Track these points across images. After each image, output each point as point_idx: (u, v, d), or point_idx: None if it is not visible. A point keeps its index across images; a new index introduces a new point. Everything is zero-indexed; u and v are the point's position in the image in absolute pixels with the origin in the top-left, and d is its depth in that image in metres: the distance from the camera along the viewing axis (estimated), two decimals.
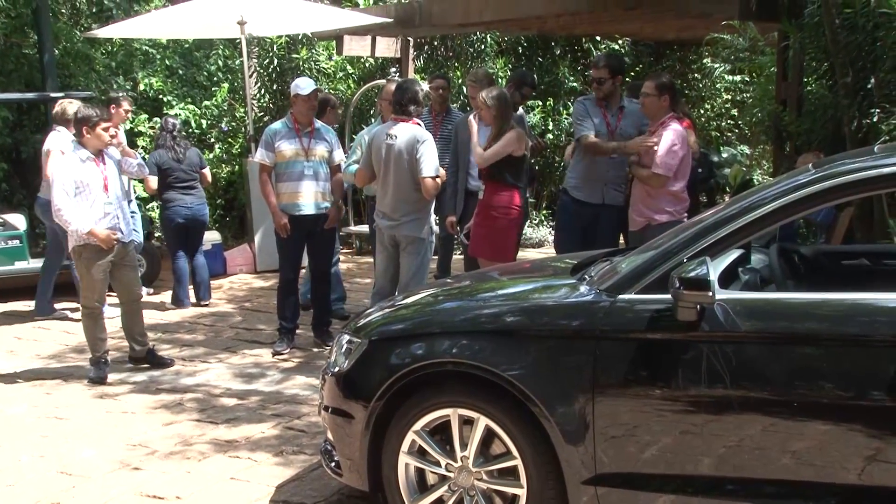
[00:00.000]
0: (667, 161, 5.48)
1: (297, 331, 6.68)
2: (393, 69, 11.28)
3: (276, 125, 6.46)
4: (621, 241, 6.56)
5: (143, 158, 7.55)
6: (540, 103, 11.25)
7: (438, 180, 5.82)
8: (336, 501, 4.01)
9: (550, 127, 11.24)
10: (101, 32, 9.96)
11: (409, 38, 10.77)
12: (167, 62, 12.54)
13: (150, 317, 7.15)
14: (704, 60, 12.27)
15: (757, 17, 7.00)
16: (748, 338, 2.92)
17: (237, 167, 10.75)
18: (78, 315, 7.49)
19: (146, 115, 11.43)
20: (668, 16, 8.79)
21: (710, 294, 2.84)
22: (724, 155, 11.87)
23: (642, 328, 3.03)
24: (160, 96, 11.98)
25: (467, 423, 3.32)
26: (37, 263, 7.98)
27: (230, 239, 10.64)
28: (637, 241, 4.90)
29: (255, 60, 10.25)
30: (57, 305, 7.75)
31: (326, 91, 9.56)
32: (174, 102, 11.91)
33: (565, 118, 10.99)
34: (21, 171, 10.57)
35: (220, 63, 12.69)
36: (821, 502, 2.85)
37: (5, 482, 4.30)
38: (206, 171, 8.08)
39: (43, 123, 8.32)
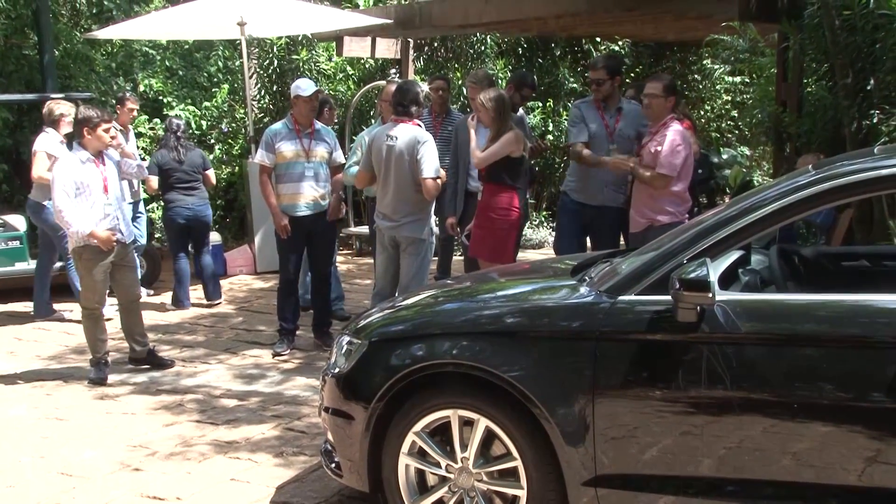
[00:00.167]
0: (671, 161, 5.47)
1: (298, 332, 6.68)
2: (393, 70, 11.28)
3: (277, 126, 6.46)
4: (621, 241, 6.57)
5: (143, 159, 7.58)
6: (540, 104, 11.26)
7: (439, 181, 5.82)
8: (336, 502, 4.01)
9: (551, 128, 11.24)
10: (102, 33, 9.97)
11: (409, 40, 10.77)
12: (167, 63, 12.55)
13: (150, 318, 7.16)
14: (704, 61, 12.26)
15: (757, 19, 7.00)
16: (748, 339, 2.92)
17: (237, 168, 10.75)
18: (72, 315, 7.53)
19: (146, 117, 11.43)
20: (667, 17, 8.80)
21: (711, 295, 2.84)
22: (725, 156, 11.88)
23: (642, 329, 3.03)
24: (160, 97, 11.98)
25: (467, 424, 3.32)
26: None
27: (230, 240, 10.64)
28: (638, 243, 4.89)
29: (255, 61, 10.26)
30: (56, 306, 7.74)
31: (326, 92, 9.56)
32: (174, 103, 11.92)
33: (565, 119, 10.98)
34: (21, 172, 10.53)
35: (220, 64, 12.70)
36: (821, 503, 2.86)
37: (6, 483, 4.31)
38: (210, 173, 8.08)
39: (43, 125, 8.33)
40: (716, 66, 10.57)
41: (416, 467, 3.46)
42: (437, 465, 3.40)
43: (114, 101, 10.57)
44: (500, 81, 9.89)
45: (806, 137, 6.93)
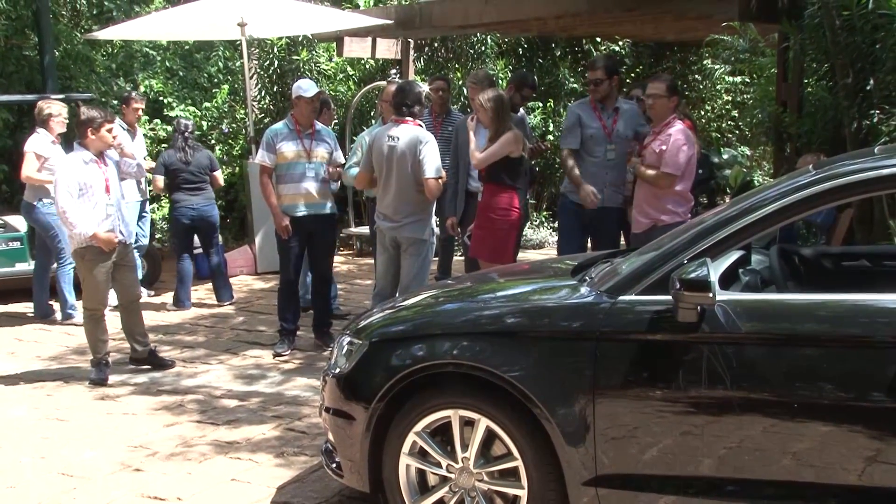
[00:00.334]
0: (676, 160, 5.46)
1: (298, 332, 6.68)
2: (393, 71, 11.28)
3: (277, 126, 6.46)
4: (622, 241, 6.56)
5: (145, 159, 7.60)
6: (540, 105, 11.26)
7: (440, 181, 5.82)
8: (337, 503, 4.01)
9: (551, 128, 11.25)
10: (102, 34, 9.98)
11: (410, 40, 10.78)
12: (167, 64, 12.56)
13: (150, 318, 7.16)
14: (705, 62, 12.27)
15: (757, 19, 7.00)
16: (748, 339, 2.92)
17: (238, 169, 10.76)
18: (64, 315, 7.55)
19: (147, 117, 11.43)
20: (667, 17, 8.80)
21: (711, 295, 2.84)
22: (725, 156, 11.88)
23: (643, 329, 3.03)
24: (160, 98, 11.99)
25: (468, 424, 3.32)
26: None
27: (231, 240, 10.64)
28: (641, 243, 4.87)
29: (256, 62, 10.26)
30: (56, 306, 7.75)
31: (326, 92, 9.56)
32: (174, 104, 11.92)
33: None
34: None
35: (221, 65, 12.70)
36: (821, 503, 2.86)
37: (7, 484, 4.31)
38: (218, 174, 8.08)
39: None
40: (716, 66, 10.58)
41: (417, 467, 3.46)
42: (438, 465, 3.40)
43: (115, 102, 10.60)
44: (500, 82, 9.90)
45: (806, 137, 6.93)
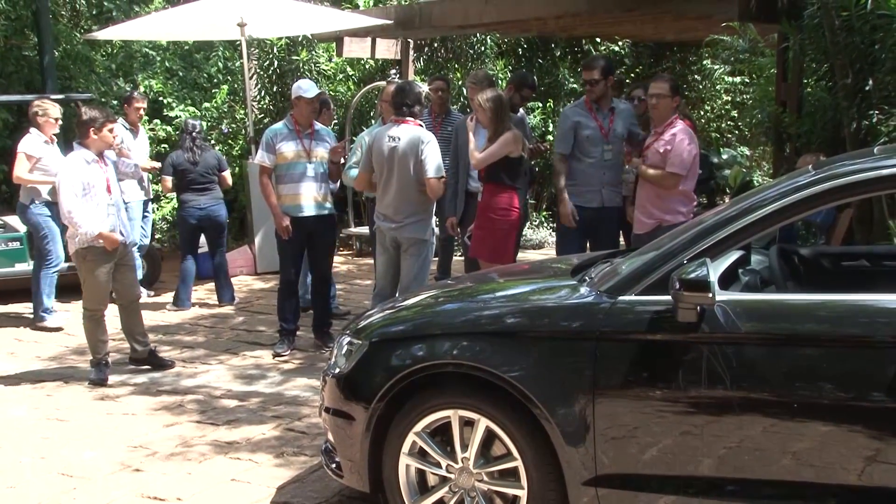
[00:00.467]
0: (682, 159, 5.45)
1: (298, 332, 6.68)
2: (393, 71, 11.28)
3: (277, 127, 6.46)
4: (621, 241, 6.57)
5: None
6: (540, 105, 11.26)
7: (442, 181, 5.82)
8: (337, 503, 4.01)
9: (551, 128, 11.24)
10: (102, 34, 9.98)
11: (409, 40, 10.78)
12: (167, 64, 12.55)
13: (150, 318, 7.16)
14: (704, 62, 12.27)
15: (756, 19, 7.01)
16: (748, 339, 2.93)
17: (237, 169, 10.75)
18: (71, 315, 7.53)
19: (146, 118, 11.43)
20: (667, 17, 8.81)
21: (711, 295, 2.84)
22: (725, 156, 11.89)
23: (643, 329, 3.03)
24: (160, 98, 11.99)
25: (468, 424, 3.32)
26: None
27: (231, 240, 10.61)
28: (644, 244, 4.88)
29: (255, 62, 10.26)
30: (57, 307, 7.74)
31: (326, 93, 9.56)
32: (174, 104, 11.92)
33: None
34: None
35: (220, 65, 12.70)
36: (821, 503, 2.86)
37: (6, 484, 4.31)
38: (226, 175, 8.08)
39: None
40: (716, 67, 10.60)
41: (417, 467, 3.46)
42: (438, 465, 3.41)
43: (115, 102, 10.60)
44: (500, 82, 9.90)
45: (806, 137, 6.94)
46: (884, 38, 5.78)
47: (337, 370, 3.65)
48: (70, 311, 7.78)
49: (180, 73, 12.64)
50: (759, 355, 2.93)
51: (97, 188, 5.75)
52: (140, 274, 7.63)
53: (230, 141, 11.22)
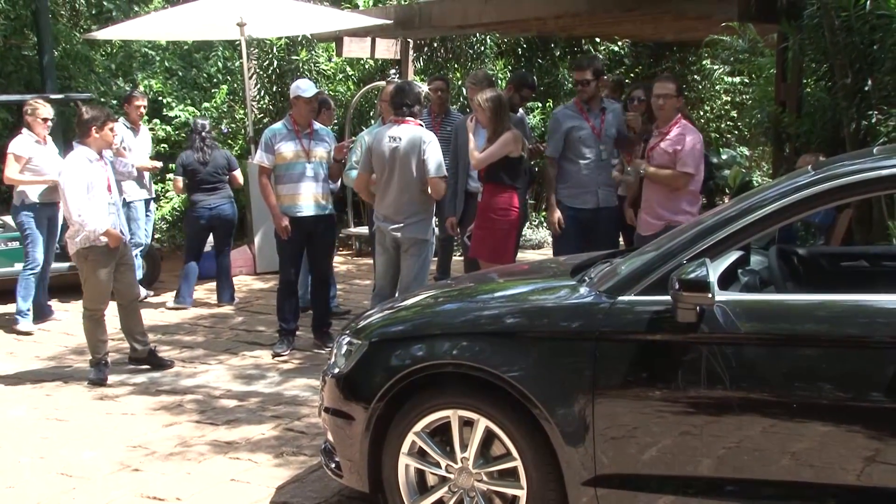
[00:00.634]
0: (695, 158, 5.44)
1: (297, 332, 6.68)
2: (393, 71, 11.28)
3: (276, 127, 6.46)
4: (620, 241, 6.57)
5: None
6: (540, 105, 11.25)
7: (444, 180, 5.82)
8: (336, 503, 4.01)
9: None
10: (101, 34, 9.97)
11: (409, 40, 10.78)
12: (167, 64, 12.55)
13: (150, 318, 7.16)
14: (704, 62, 12.27)
15: (756, 19, 7.01)
16: (747, 339, 2.93)
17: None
18: (71, 315, 7.53)
19: (146, 117, 11.42)
20: (667, 17, 8.80)
21: (710, 295, 2.84)
22: (724, 156, 11.88)
23: (642, 329, 3.03)
24: (160, 98, 11.98)
25: (467, 424, 3.32)
26: None
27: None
28: None
29: (255, 62, 10.26)
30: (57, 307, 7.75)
31: (325, 92, 9.56)
32: (174, 104, 11.92)
33: None
34: None
35: (220, 65, 12.70)
36: (820, 503, 2.86)
37: (6, 484, 4.31)
38: (237, 174, 8.07)
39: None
40: (715, 67, 10.60)
41: (416, 467, 3.46)
42: (437, 465, 3.41)
43: (114, 102, 10.60)
44: (499, 82, 9.90)
45: (805, 138, 6.94)
46: (883, 38, 5.78)
47: (336, 370, 3.65)
48: (69, 310, 7.79)
49: (180, 73, 12.64)
50: (758, 355, 2.93)
51: (99, 187, 5.75)
52: (140, 274, 7.64)
53: (230, 141, 11.21)
